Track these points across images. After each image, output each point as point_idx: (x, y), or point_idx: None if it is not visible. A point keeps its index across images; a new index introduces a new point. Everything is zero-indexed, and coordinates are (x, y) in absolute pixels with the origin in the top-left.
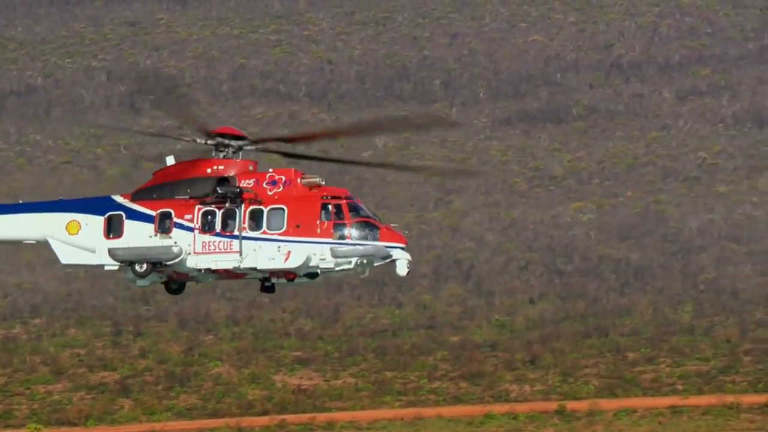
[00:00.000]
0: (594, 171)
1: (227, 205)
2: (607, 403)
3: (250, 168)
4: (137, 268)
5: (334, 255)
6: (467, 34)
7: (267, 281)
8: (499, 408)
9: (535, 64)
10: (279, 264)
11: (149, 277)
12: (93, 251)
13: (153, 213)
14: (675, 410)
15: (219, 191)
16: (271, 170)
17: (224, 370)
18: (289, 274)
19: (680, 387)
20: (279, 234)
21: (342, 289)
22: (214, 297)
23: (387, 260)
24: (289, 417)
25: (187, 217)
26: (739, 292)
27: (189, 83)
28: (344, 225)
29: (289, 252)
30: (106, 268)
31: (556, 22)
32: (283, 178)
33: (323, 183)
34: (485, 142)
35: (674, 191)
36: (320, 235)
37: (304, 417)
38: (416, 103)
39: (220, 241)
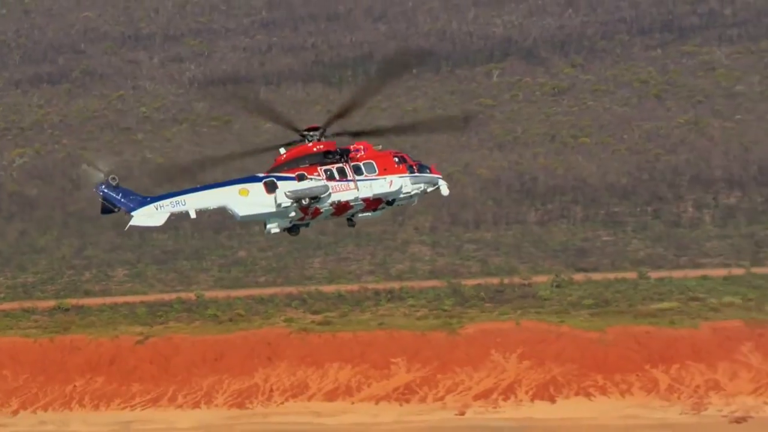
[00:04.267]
0: (55, 123)
1: (338, 164)
2: None
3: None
4: (303, 202)
5: (412, 183)
6: None
7: (351, 219)
8: None
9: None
10: (386, 189)
11: (281, 223)
12: (260, 204)
13: (293, 175)
14: None
15: (333, 156)
16: (355, 143)
17: None
18: (376, 204)
19: None
20: (375, 176)
21: None
22: None
23: (435, 187)
24: None
25: (315, 174)
26: None
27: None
28: (411, 166)
29: (391, 181)
30: (270, 207)
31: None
32: (362, 147)
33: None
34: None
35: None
36: (400, 172)
37: None
38: None
39: (342, 184)
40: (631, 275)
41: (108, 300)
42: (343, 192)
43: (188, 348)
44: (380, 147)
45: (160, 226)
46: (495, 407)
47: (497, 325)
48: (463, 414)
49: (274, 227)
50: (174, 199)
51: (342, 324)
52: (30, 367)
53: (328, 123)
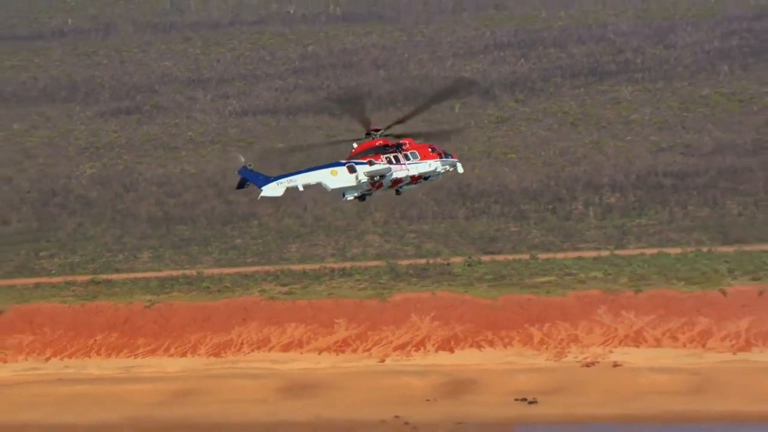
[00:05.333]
0: (122, 144)
1: (394, 153)
2: None
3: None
4: (375, 178)
5: (441, 165)
6: None
7: (398, 191)
8: None
9: None
10: (425, 169)
11: (355, 193)
12: (344, 180)
13: (365, 161)
14: None
15: (390, 148)
16: (402, 138)
17: None
18: (417, 180)
19: None
20: (418, 161)
21: None
22: None
23: (454, 167)
24: None
25: (380, 160)
26: None
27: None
28: (440, 153)
29: (429, 164)
30: (352, 182)
31: None
32: (407, 141)
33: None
34: None
35: None
36: (434, 158)
37: None
38: None
39: (397, 167)
40: (525, 257)
41: (131, 276)
42: (398, 172)
43: (184, 311)
44: (422, 140)
45: (279, 197)
46: (408, 356)
47: (418, 295)
48: (383, 361)
49: (350, 196)
50: (289, 178)
51: (302, 294)
52: (63, 325)
53: (387, 127)
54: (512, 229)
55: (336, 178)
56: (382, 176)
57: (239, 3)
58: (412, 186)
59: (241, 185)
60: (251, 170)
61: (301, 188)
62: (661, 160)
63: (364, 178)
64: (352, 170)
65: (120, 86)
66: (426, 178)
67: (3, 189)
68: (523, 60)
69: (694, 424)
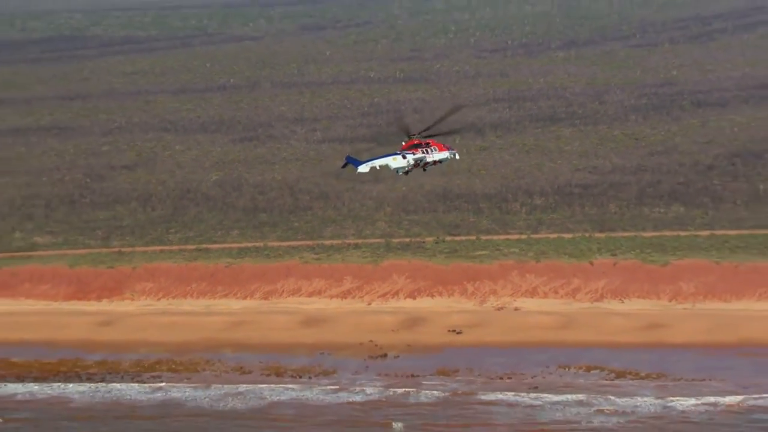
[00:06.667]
0: (239, 160)
1: (425, 147)
2: None
3: (421, 140)
4: (418, 161)
5: (449, 154)
6: None
7: (425, 168)
8: None
9: None
10: (442, 156)
11: (403, 170)
12: (400, 162)
13: (411, 152)
14: None
15: (422, 145)
16: (428, 140)
17: None
18: (436, 162)
19: None
20: (437, 151)
21: None
22: None
23: (454, 155)
24: None
25: (418, 151)
26: None
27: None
28: (448, 147)
29: (443, 153)
30: (405, 164)
31: None
32: (430, 141)
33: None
34: None
35: None
36: (445, 150)
37: None
38: None
39: (427, 155)
40: (473, 238)
41: (222, 246)
42: (428, 157)
43: (249, 269)
44: (443, 141)
45: (366, 173)
46: (386, 302)
47: (399, 262)
48: (370, 305)
49: (401, 172)
50: (371, 161)
51: (326, 260)
52: (172, 277)
53: (419, 134)
54: (471, 219)
55: (396, 161)
56: (420, 160)
57: (339, 69)
58: (433, 166)
59: (344, 165)
60: (352, 157)
61: (378, 168)
62: (575, 176)
63: (411, 162)
64: (404, 157)
65: (249, 122)
66: (440, 161)
67: (158, 188)
68: (508, 109)
69: (560, 348)
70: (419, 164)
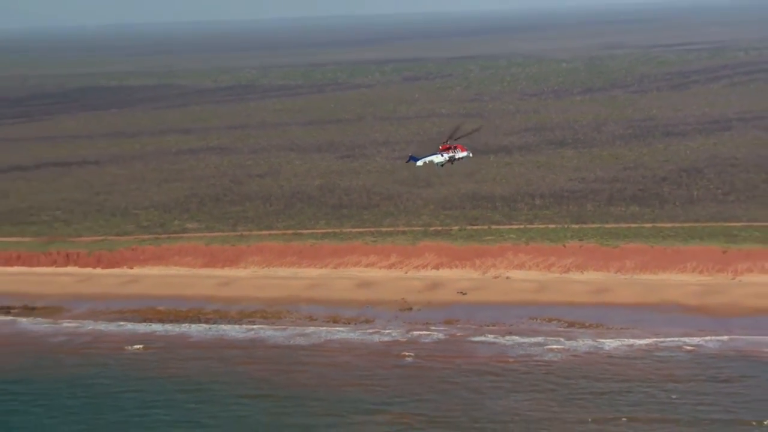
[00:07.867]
0: (301, 173)
1: (453, 148)
2: None
3: (451, 144)
4: (450, 158)
5: (469, 152)
6: None
7: (452, 163)
8: None
9: None
10: (463, 155)
11: (444, 163)
12: (441, 158)
13: (446, 152)
14: None
15: (451, 148)
16: (455, 145)
17: None
18: (460, 159)
19: None
20: (461, 151)
21: None
22: None
23: (471, 154)
24: None
25: (450, 152)
26: None
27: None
28: (467, 149)
29: (465, 153)
30: (443, 160)
31: None
32: (457, 146)
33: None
34: None
35: None
36: (465, 150)
37: None
38: None
39: (456, 154)
40: (486, 227)
41: (310, 231)
42: (456, 155)
43: (327, 247)
44: (463, 144)
45: (421, 166)
46: (418, 271)
47: (431, 243)
48: (406, 273)
49: (440, 165)
50: (424, 159)
51: (381, 241)
52: (274, 253)
53: (448, 139)
54: (487, 214)
55: (437, 158)
56: (452, 157)
57: (422, 107)
58: (458, 161)
59: (408, 161)
60: (414, 155)
61: (428, 163)
62: (567, 184)
63: (446, 158)
64: (442, 155)
65: (351, 144)
66: (462, 158)
67: (277, 190)
68: (532, 136)
69: (533, 305)
70: (451, 160)
